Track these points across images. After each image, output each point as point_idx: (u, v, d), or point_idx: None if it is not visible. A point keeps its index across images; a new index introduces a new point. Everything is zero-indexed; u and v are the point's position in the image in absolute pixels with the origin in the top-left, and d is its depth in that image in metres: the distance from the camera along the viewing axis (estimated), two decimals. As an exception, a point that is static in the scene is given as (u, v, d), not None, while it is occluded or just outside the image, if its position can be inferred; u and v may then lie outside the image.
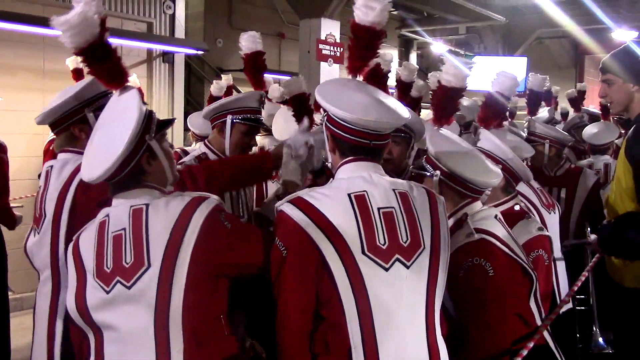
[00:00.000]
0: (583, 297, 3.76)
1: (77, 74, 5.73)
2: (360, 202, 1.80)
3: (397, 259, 1.79)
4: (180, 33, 7.66)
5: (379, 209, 1.81)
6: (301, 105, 3.06)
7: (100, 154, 1.86)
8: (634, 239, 2.55)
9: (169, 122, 2.04)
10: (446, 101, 2.42)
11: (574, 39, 15.16)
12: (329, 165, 2.01)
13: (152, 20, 7.35)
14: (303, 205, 1.80)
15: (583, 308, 3.77)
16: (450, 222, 2.23)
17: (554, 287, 3.42)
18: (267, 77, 4.33)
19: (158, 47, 7.41)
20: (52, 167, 2.52)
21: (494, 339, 2.10)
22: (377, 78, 2.92)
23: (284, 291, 1.81)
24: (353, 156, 1.89)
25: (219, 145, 3.04)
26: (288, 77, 3.54)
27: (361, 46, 2.02)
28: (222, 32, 11.29)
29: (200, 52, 9.27)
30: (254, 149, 3.39)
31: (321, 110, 1.96)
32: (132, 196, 1.88)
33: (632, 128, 2.72)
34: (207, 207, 1.84)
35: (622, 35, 11.95)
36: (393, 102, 1.98)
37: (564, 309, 3.37)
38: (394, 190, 1.86)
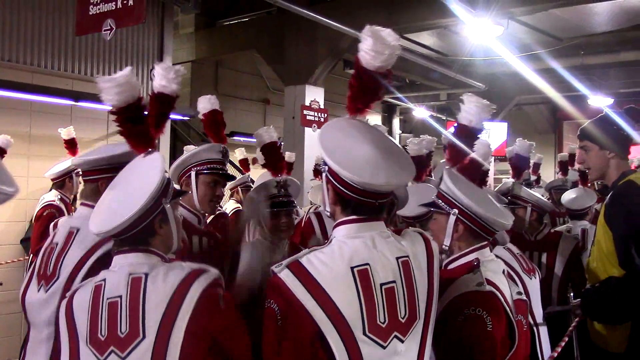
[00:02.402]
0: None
1: (70, 145, 5.84)
2: (362, 278, 1.74)
3: (395, 336, 1.77)
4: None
5: (381, 285, 1.76)
6: (273, 154, 3.16)
7: (116, 208, 1.90)
8: (618, 304, 2.58)
9: (183, 193, 2.14)
10: (463, 140, 2.37)
11: (553, 104, 15.56)
12: (327, 214, 1.94)
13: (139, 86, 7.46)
14: (303, 276, 1.73)
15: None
16: (460, 262, 2.25)
17: (537, 354, 3.41)
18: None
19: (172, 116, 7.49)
20: (77, 230, 2.52)
21: None
22: None
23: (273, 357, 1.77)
24: (356, 215, 1.84)
25: (189, 201, 3.07)
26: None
27: (365, 89, 1.91)
28: (208, 98, 11.45)
29: (186, 118, 9.41)
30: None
31: (320, 159, 1.92)
32: (134, 260, 1.90)
33: (610, 194, 2.79)
34: (205, 280, 1.83)
35: (599, 101, 12.29)
36: (397, 152, 1.92)
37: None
38: (397, 259, 1.82)
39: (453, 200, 2.25)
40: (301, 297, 1.71)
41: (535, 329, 3.39)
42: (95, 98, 2.12)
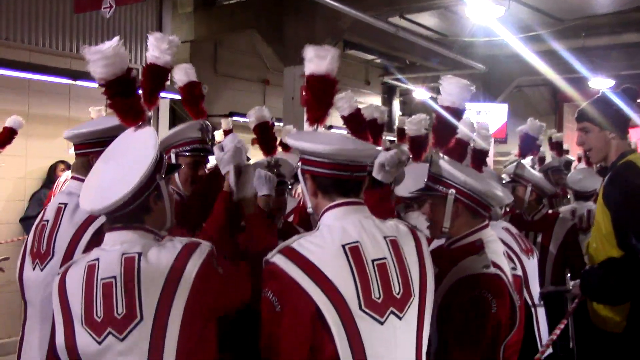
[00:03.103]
0: (564, 343, 3.76)
1: None
2: (355, 254, 1.76)
3: (392, 312, 1.78)
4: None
5: (373, 261, 1.78)
6: (265, 133, 3.18)
7: (108, 185, 1.85)
8: (617, 285, 2.59)
9: (177, 167, 2.09)
10: (445, 122, 2.40)
11: (553, 86, 15.49)
12: (310, 211, 1.98)
13: (138, 66, 7.44)
14: (296, 258, 1.75)
15: (566, 354, 3.77)
16: (462, 243, 2.26)
17: (535, 334, 3.43)
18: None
19: (163, 95, 7.45)
20: (65, 205, 2.47)
21: None
22: (357, 123, 3.01)
23: (277, 355, 1.77)
24: (337, 194, 1.87)
25: (172, 183, 2.97)
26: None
27: (318, 96, 2.05)
28: (207, 79, 11.40)
29: (185, 98, 9.36)
30: None
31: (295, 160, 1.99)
32: (126, 238, 1.86)
33: (609, 174, 2.78)
34: (199, 255, 1.82)
35: (599, 83, 12.24)
36: (361, 141, 2.05)
37: (545, 355, 3.39)
38: (385, 238, 1.85)
39: (448, 181, 2.26)
40: (296, 278, 1.73)
41: (533, 309, 3.42)
42: (92, 77, 2.06)
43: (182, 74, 3.08)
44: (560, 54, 11.05)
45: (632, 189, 2.62)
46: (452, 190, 2.24)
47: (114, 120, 2.47)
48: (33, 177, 6.29)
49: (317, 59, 2.01)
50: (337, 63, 2.05)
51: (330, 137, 1.93)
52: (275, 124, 3.36)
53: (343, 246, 1.77)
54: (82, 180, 2.44)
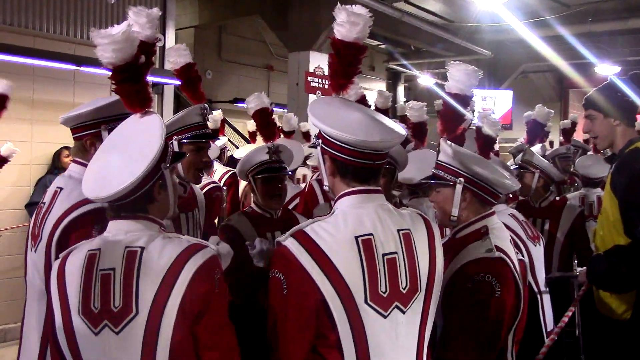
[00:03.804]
0: (570, 329, 3.76)
1: None
2: (366, 248, 1.76)
3: (396, 306, 1.78)
4: (169, 65, 7.70)
5: (383, 255, 1.77)
6: (265, 119, 3.16)
7: (113, 173, 1.81)
8: (624, 272, 2.58)
9: (182, 156, 2.02)
10: (453, 109, 2.35)
11: (559, 73, 15.42)
12: (326, 188, 1.94)
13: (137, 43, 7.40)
14: (308, 244, 1.74)
15: (572, 341, 3.76)
16: (468, 230, 2.24)
17: (540, 320, 3.43)
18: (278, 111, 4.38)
19: (148, 79, 7.42)
20: (61, 189, 2.45)
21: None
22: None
23: (283, 335, 1.77)
24: (357, 180, 1.84)
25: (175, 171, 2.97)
26: (277, 109, 3.64)
27: (345, 63, 1.95)
28: (212, 64, 11.39)
29: (189, 84, 9.35)
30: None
31: (312, 132, 1.95)
32: (131, 228, 1.83)
33: (616, 162, 2.77)
34: (201, 257, 1.74)
35: (605, 70, 12.18)
36: (386, 119, 1.95)
37: (549, 342, 3.39)
38: (398, 231, 1.83)
39: (457, 170, 2.24)
40: (306, 265, 1.72)
41: (538, 296, 3.42)
42: (98, 63, 2.01)
43: (177, 56, 3.03)
44: (566, 40, 10.99)
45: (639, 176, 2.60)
46: (461, 179, 2.22)
47: (103, 100, 2.45)
48: (38, 163, 6.29)
49: (349, 25, 1.89)
50: (368, 32, 1.93)
51: (353, 118, 1.85)
52: (279, 110, 3.36)
53: (356, 237, 1.76)
54: (81, 164, 2.46)
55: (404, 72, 15.68)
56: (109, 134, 2.31)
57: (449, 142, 2.33)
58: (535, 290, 3.39)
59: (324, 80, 9.28)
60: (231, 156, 7.27)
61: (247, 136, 7.66)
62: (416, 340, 1.83)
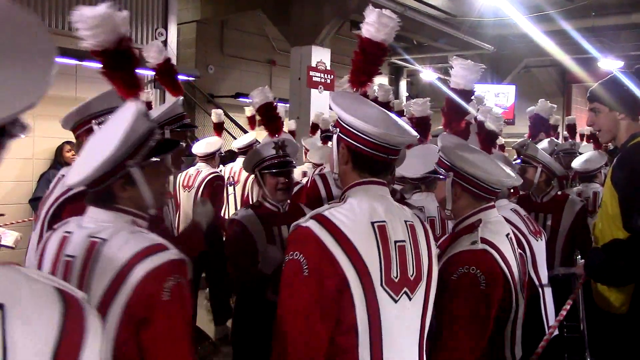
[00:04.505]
0: (574, 324, 3.76)
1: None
2: (382, 233, 1.80)
3: (405, 292, 1.83)
4: (172, 59, 7.71)
5: (395, 242, 1.83)
6: (269, 113, 3.18)
7: (83, 162, 1.76)
8: (621, 266, 2.58)
9: (174, 145, 1.90)
10: (455, 104, 2.39)
11: (562, 67, 15.38)
12: (335, 176, 1.98)
13: (144, 47, 7.42)
14: (330, 226, 1.76)
15: (575, 335, 3.76)
16: (464, 224, 2.26)
17: (541, 315, 3.43)
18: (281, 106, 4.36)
19: (149, 73, 7.43)
20: (63, 176, 2.52)
21: (464, 353, 2.07)
22: None
23: (303, 321, 1.72)
24: (369, 172, 1.89)
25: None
26: (280, 104, 3.64)
27: (369, 61, 2.02)
28: (214, 59, 11.38)
29: (191, 79, 9.35)
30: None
31: (330, 122, 1.96)
32: (101, 217, 1.76)
33: (618, 155, 2.76)
34: (157, 260, 1.59)
35: (608, 64, 12.15)
36: (399, 120, 2.00)
37: (552, 336, 3.39)
38: (405, 222, 1.89)
39: (449, 164, 2.27)
40: (329, 245, 1.73)
41: (540, 290, 3.42)
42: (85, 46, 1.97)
43: (155, 52, 3.07)
44: (569, 34, 10.97)
45: None
46: (450, 174, 2.26)
47: (93, 97, 2.50)
48: (40, 158, 6.31)
49: (379, 25, 1.97)
50: (393, 36, 2.02)
51: (372, 113, 1.91)
52: (282, 104, 3.38)
53: (372, 223, 1.80)
54: None
55: (406, 66, 15.66)
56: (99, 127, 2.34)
57: (448, 135, 2.37)
58: (537, 284, 3.39)
59: (326, 75, 9.27)
60: (229, 150, 7.28)
61: (247, 129, 7.66)
62: (418, 328, 1.88)
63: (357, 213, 1.81)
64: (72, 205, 2.31)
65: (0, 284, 0.96)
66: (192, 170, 5.47)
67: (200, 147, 5.55)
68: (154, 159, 1.80)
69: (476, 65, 2.35)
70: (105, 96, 2.44)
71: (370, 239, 1.77)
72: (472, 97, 2.46)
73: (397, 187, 3.83)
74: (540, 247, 3.48)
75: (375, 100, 4.13)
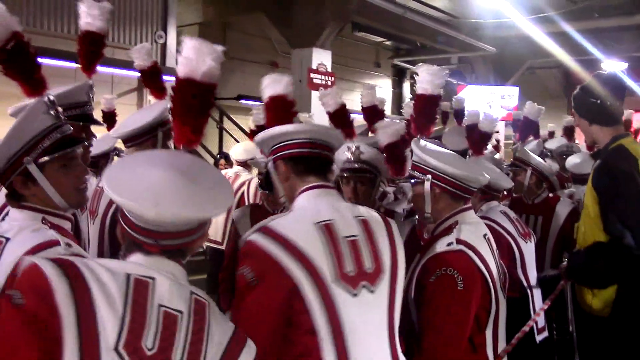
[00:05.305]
0: (563, 326, 3.75)
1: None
2: (328, 230, 1.82)
3: (364, 286, 1.83)
4: (171, 62, 7.75)
5: (345, 237, 1.84)
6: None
7: None
8: (602, 268, 2.59)
9: (76, 142, 1.83)
10: (424, 110, 2.45)
11: (566, 69, 15.33)
12: (283, 200, 2.03)
13: (132, 48, 7.44)
14: (273, 235, 1.78)
15: (565, 338, 3.75)
16: (442, 227, 2.28)
17: (530, 316, 3.43)
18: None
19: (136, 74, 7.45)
20: None
21: (444, 354, 2.09)
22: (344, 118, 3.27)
23: (252, 324, 1.74)
24: (310, 175, 1.92)
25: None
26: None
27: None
28: (216, 61, 11.39)
29: (192, 81, 9.36)
30: None
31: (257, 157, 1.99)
32: (14, 216, 1.74)
33: (600, 159, 2.78)
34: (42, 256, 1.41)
35: (612, 66, 12.10)
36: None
37: (540, 338, 3.39)
38: (356, 217, 1.90)
39: (425, 167, 2.29)
40: (274, 254, 1.75)
41: (529, 291, 3.42)
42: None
43: (145, 54, 3.10)
44: (572, 36, 10.93)
45: (619, 174, 2.60)
46: (428, 176, 2.27)
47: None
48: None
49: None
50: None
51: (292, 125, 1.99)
52: None
53: (317, 223, 1.82)
54: None
55: (409, 68, 15.65)
56: None
57: (421, 140, 2.40)
58: (526, 285, 3.40)
59: (326, 77, 9.29)
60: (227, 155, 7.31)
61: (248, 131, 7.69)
62: (386, 320, 1.87)
63: (299, 218, 1.84)
64: None
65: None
66: (230, 172, 5.57)
67: (238, 152, 5.64)
68: (55, 154, 1.74)
69: (441, 70, 2.42)
70: (68, 92, 2.40)
71: (315, 239, 1.79)
72: (458, 99, 2.53)
73: (390, 189, 3.84)
74: (529, 249, 3.49)
75: (374, 107, 4.13)
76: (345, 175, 2.98)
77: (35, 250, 1.58)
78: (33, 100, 2.42)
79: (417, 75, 2.46)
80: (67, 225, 1.83)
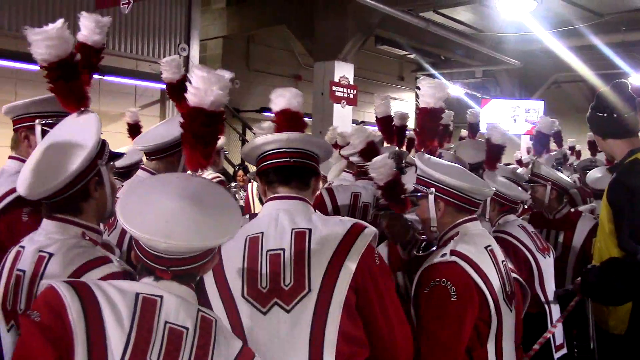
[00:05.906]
0: (584, 344, 3.67)
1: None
2: (252, 244, 1.83)
3: (276, 303, 1.77)
4: (165, 76, 7.78)
5: (267, 251, 1.81)
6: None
7: (47, 170, 1.80)
8: (617, 285, 2.53)
9: (119, 155, 2.01)
10: (426, 124, 2.43)
11: (592, 83, 15.16)
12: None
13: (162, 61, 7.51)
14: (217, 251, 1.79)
15: (587, 355, 3.68)
16: (444, 239, 2.27)
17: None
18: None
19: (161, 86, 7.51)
20: None
21: None
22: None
23: None
24: (281, 187, 1.92)
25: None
26: (306, 119, 3.67)
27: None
28: (239, 74, 11.48)
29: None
30: None
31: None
32: (51, 229, 1.80)
33: (615, 173, 2.74)
34: (98, 274, 1.65)
35: (640, 79, 11.93)
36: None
37: (558, 355, 3.32)
38: (292, 229, 1.84)
39: (429, 181, 2.28)
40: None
41: (547, 307, 3.36)
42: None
43: (175, 67, 3.08)
44: (598, 49, 10.81)
45: (634, 189, 2.55)
46: (432, 189, 2.27)
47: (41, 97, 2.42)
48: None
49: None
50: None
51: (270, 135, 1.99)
52: (306, 119, 3.38)
53: (247, 237, 1.84)
54: (16, 159, 2.46)
55: (434, 82, 15.63)
56: (42, 129, 2.34)
57: (424, 155, 2.40)
58: (543, 301, 3.33)
59: (348, 90, 9.29)
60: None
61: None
62: (307, 342, 1.76)
63: (240, 232, 1.79)
64: (6, 217, 2.27)
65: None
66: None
67: None
68: (112, 161, 1.93)
69: (440, 84, 2.41)
70: (52, 99, 2.41)
71: (238, 253, 1.81)
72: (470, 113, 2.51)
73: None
74: (547, 263, 3.42)
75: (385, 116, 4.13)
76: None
77: (90, 266, 1.66)
78: (27, 100, 2.45)
79: (418, 89, 2.44)
80: (99, 240, 1.91)
